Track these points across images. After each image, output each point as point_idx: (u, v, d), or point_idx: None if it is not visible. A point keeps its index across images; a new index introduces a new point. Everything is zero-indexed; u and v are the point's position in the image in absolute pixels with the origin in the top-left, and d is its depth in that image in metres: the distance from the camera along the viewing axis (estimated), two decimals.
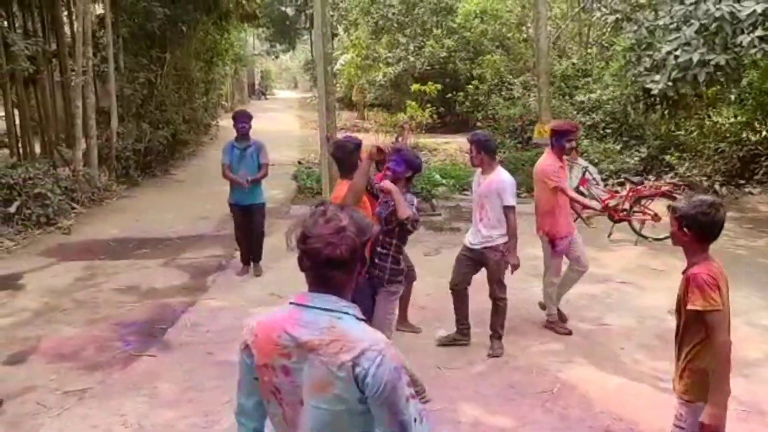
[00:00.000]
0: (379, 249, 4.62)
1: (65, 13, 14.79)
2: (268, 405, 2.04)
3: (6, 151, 13.46)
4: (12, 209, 9.90)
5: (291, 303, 2.04)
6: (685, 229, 3.10)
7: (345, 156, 4.80)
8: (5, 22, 12.49)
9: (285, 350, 1.94)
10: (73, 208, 11.19)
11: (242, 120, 7.52)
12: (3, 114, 13.37)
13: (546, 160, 6.19)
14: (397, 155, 4.71)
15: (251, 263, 8.03)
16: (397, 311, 5.01)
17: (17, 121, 13.47)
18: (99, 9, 15.33)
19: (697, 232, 3.07)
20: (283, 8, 40.96)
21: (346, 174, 4.75)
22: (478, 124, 18.16)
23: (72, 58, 13.11)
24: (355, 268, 2.00)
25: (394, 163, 4.68)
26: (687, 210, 3.08)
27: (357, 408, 1.90)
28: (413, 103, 18.22)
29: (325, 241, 1.92)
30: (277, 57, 54.77)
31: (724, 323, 2.98)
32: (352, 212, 2.02)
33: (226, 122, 25.48)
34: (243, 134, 7.53)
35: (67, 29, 14.66)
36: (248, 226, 7.85)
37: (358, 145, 4.90)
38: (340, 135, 9.99)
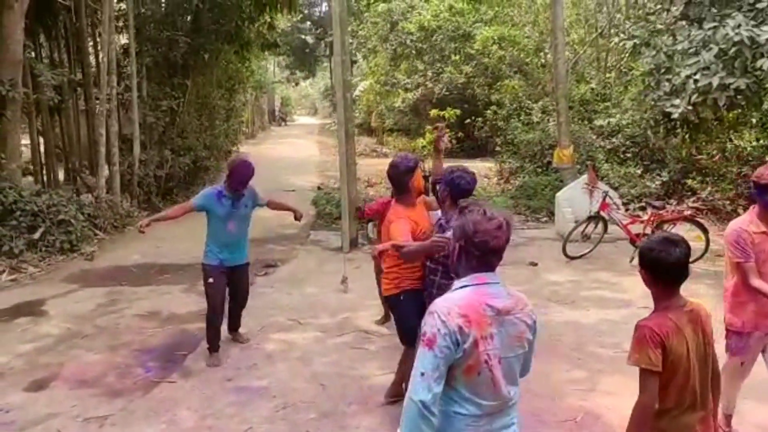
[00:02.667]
0: (429, 264, 4.55)
1: (90, 43, 15.11)
2: (478, 378, 2.39)
3: (31, 178, 13.68)
4: (36, 236, 10.04)
5: (475, 284, 2.44)
6: (641, 269, 2.86)
7: (397, 177, 4.75)
8: (32, 53, 12.78)
9: (490, 319, 2.39)
10: (96, 235, 11.32)
11: (243, 182, 5.92)
12: (28, 142, 13.61)
13: (739, 221, 4.22)
14: (444, 176, 4.56)
15: (230, 334, 6.57)
16: None
17: (42, 149, 13.73)
18: (123, 39, 15.65)
19: (648, 272, 2.81)
20: (303, 36, 41.54)
21: (398, 195, 4.79)
22: (498, 148, 18.17)
23: (96, 87, 13.36)
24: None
25: (441, 186, 4.57)
26: (641, 247, 2.88)
27: (528, 348, 2.56)
28: (432, 129, 18.28)
29: (492, 235, 2.42)
30: (297, 84, 55.42)
31: (653, 384, 2.70)
32: (506, 212, 2.54)
33: (246, 148, 25.87)
34: (238, 196, 5.99)
35: (92, 59, 14.97)
36: (230, 293, 6.30)
37: (411, 168, 4.74)
38: (356, 157, 9.94)
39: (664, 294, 2.80)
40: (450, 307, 2.36)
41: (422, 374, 2.29)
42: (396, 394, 5.11)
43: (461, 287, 2.45)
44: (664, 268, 2.74)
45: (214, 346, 6.11)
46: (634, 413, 2.75)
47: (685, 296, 2.84)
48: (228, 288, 6.19)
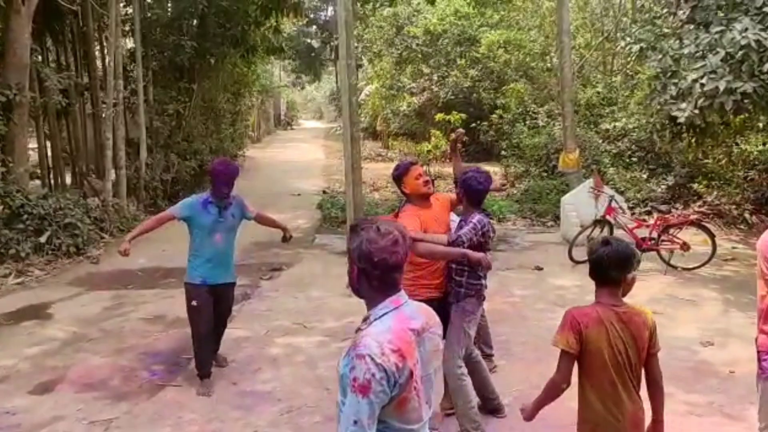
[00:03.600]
0: (454, 265, 4.54)
1: (97, 47, 15.19)
2: (408, 405, 2.29)
3: (38, 181, 13.74)
4: (42, 239, 10.07)
5: (392, 310, 2.33)
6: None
7: (395, 181, 4.75)
8: (39, 57, 12.84)
9: (415, 343, 2.31)
10: (102, 238, 11.35)
11: (227, 183, 5.41)
12: (35, 145, 13.67)
13: None
14: (461, 178, 4.61)
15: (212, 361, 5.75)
16: (472, 332, 4.67)
17: (49, 152, 13.78)
18: (130, 43, 15.71)
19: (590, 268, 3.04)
20: (308, 40, 41.60)
21: (406, 198, 4.74)
22: (503, 152, 18.16)
23: (103, 91, 13.42)
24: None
25: (460, 188, 4.62)
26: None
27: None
28: (437, 132, 18.29)
29: (390, 251, 2.30)
30: (302, 88, 55.58)
31: (565, 365, 2.95)
32: (398, 224, 2.41)
33: (252, 152, 25.93)
34: (224, 199, 5.46)
35: (98, 63, 15.05)
36: (214, 314, 5.53)
37: (400, 173, 4.68)
38: (365, 164, 9.94)
39: (598, 291, 3.02)
40: (382, 345, 2.20)
41: (355, 422, 2.16)
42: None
43: (382, 315, 2.31)
44: (593, 266, 3.00)
45: (204, 372, 5.50)
46: (546, 388, 3.07)
47: (629, 302, 3.02)
48: (214, 311, 5.51)
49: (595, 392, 2.96)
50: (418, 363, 2.30)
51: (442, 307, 4.56)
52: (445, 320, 4.53)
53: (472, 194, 4.51)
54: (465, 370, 4.54)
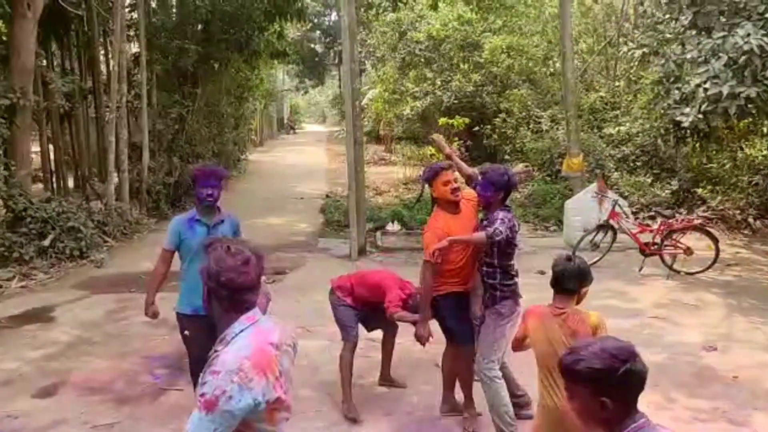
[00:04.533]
0: (484, 269, 4.56)
1: (102, 51, 15.23)
2: (276, 418, 2.28)
3: (41, 185, 13.77)
4: (46, 243, 10.08)
5: (249, 327, 2.28)
6: None
7: (424, 188, 4.83)
8: (44, 61, 12.89)
9: (276, 357, 2.30)
10: (105, 242, 11.36)
11: (208, 181, 4.63)
12: (38, 149, 13.70)
13: None
14: (483, 179, 4.54)
15: None
16: (510, 335, 4.43)
17: (52, 156, 13.82)
18: (134, 48, 15.76)
19: None
20: (312, 45, 41.71)
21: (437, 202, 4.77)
22: (507, 157, 18.14)
23: (107, 95, 13.45)
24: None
25: (481, 188, 4.54)
26: None
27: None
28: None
29: (238, 272, 2.25)
30: (306, 92, 55.66)
31: (516, 344, 3.71)
32: (254, 246, 2.38)
33: (255, 156, 25.96)
34: (209, 203, 4.67)
35: (103, 67, 15.09)
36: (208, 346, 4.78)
37: (426, 178, 4.76)
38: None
39: (554, 297, 3.47)
40: (240, 362, 2.14)
41: None
42: (452, 408, 5.13)
43: (240, 333, 2.26)
44: (554, 277, 3.47)
45: None
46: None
47: (573, 306, 3.46)
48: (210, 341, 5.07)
49: (541, 378, 3.37)
50: (281, 376, 2.29)
51: (464, 299, 4.76)
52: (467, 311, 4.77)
53: (508, 191, 4.55)
54: (499, 374, 4.54)
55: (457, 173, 4.88)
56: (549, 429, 3.30)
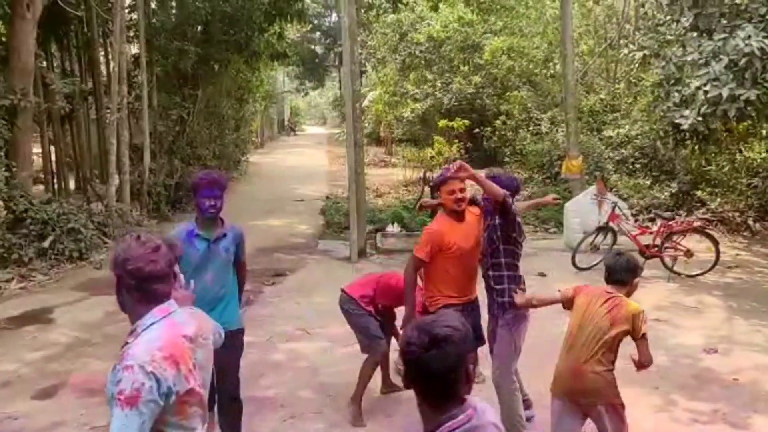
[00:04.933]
0: (491, 273, 4.49)
1: (102, 53, 15.24)
2: (190, 410, 2.26)
3: (41, 186, 13.77)
4: (46, 244, 10.08)
5: (161, 319, 2.25)
6: None
7: (433, 195, 4.81)
8: (44, 62, 12.89)
9: (190, 350, 2.29)
10: (105, 243, 11.35)
11: (211, 191, 4.22)
12: (39, 150, 13.71)
13: None
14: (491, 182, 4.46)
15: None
16: (521, 343, 4.56)
17: (53, 158, 13.82)
18: (134, 49, 15.76)
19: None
20: (312, 47, 41.75)
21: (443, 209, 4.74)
22: (506, 159, 18.15)
23: (107, 97, 13.45)
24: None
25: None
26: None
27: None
28: (441, 139, 18.29)
29: (146, 260, 2.21)
30: (306, 94, 55.66)
31: (561, 298, 4.14)
32: (169, 237, 2.40)
33: (256, 158, 25.95)
34: (212, 215, 4.25)
35: (103, 69, 15.10)
36: (216, 371, 4.18)
37: (435, 184, 4.83)
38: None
39: (606, 284, 3.96)
40: (151, 353, 2.13)
41: None
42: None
43: (150, 325, 2.22)
44: (606, 269, 4.03)
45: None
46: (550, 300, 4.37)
47: (623, 294, 3.87)
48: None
49: (566, 337, 3.91)
50: (195, 369, 2.27)
51: (473, 310, 4.69)
52: (475, 325, 4.62)
53: (514, 195, 4.56)
54: (517, 386, 4.52)
55: (465, 183, 4.64)
56: (562, 387, 3.91)
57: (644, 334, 3.72)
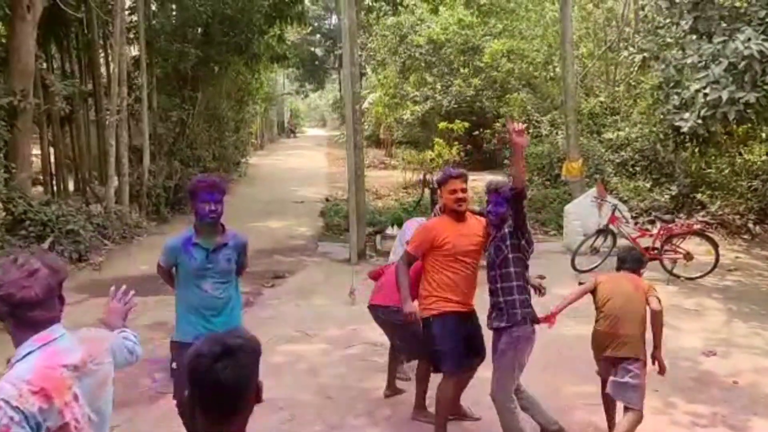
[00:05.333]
0: (500, 284, 4.33)
1: (102, 54, 15.24)
2: None
3: (41, 188, 13.76)
4: (45, 245, 10.05)
5: (38, 348, 2.11)
6: None
7: (432, 197, 4.78)
8: (44, 64, 12.89)
9: (70, 380, 2.11)
10: (105, 245, 11.35)
11: (211, 195, 4.00)
12: (39, 152, 13.70)
13: None
14: (496, 195, 4.37)
15: None
16: (525, 362, 4.43)
17: (52, 159, 13.81)
18: (134, 51, 15.77)
19: None
20: (312, 49, 41.77)
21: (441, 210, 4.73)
22: (506, 161, 18.13)
23: (107, 98, 13.46)
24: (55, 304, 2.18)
25: (494, 204, 4.37)
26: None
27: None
28: (440, 141, 18.29)
29: (19, 286, 2.06)
30: (306, 96, 55.62)
31: (587, 290, 4.82)
32: (44, 256, 2.19)
33: (255, 160, 25.95)
34: (212, 221, 4.05)
35: (103, 70, 15.10)
36: None
37: (438, 183, 4.76)
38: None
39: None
40: (19, 387, 1.99)
41: None
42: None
43: (26, 356, 2.09)
44: (618, 260, 4.99)
45: None
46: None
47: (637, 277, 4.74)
48: None
49: (600, 316, 4.61)
50: (76, 400, 2.11)
51: (475, 321, 4.59)
52: (476, 336, 4.58)
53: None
54: (516, 404, 4.36)
55: (467, 185, 4.70)
56: (596, 344, 4.63)
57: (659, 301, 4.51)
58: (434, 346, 4.51)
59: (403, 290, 4.52)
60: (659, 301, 4.48)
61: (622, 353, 4.41)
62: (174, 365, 4.13)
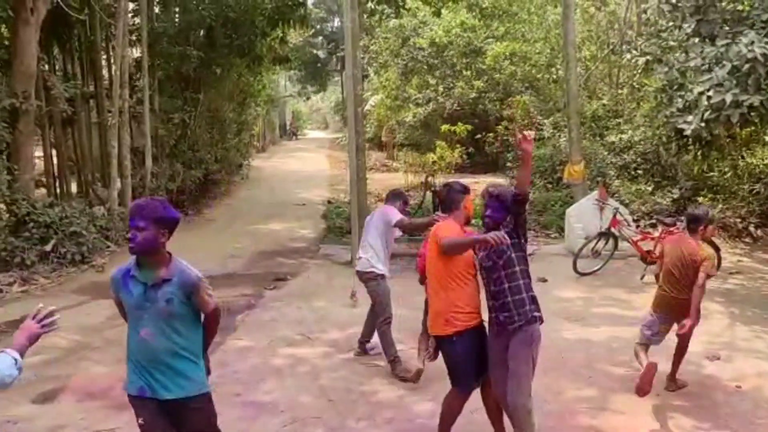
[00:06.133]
0: (506, 284, 4.21)
1: (104, 56, 15.26)
2: None
3: (43, 190, 13.77)
4: (48, 247, 10.08)
5: None
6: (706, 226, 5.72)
7: (450, 195, 4.56)
8: (46, 66, 12.91)
9: None
10: (108, 246, 11.35)
11: (132, 220, 3.37)
12: (41, 154, 13.72)
13: None
14: (495, 201, 4.27)
15: None
16: (536, 361, 4.31)
17: (55, 161, 13.83)
18: (136, 53, 15.78)
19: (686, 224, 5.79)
20: (314, 51, 41.76)
21: (449, 212, 4.59)
22: (508, 164, 18.12)
23: (109, 100, 13.48)
24: None
25: (493, 210, 4.26)
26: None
27: None
28: (443, 144, 18.29)
29: None
30: (308, 98, 55.62)
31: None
32: None
33: (257, 162, 25.97)
34: (131, 251, 3.42)
35: (105, 72, 15.11)
36: None
37: (465, 188, 4.63)
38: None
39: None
40: None
41: None
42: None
43: None
44: (686, 220, 5.72)
45: None
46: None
47: (698, 239, 5.50)
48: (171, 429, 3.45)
49: (667, 276, 5.51)
50: None
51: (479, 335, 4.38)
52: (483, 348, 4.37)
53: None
54: (533, 405, 4.25)
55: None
56: (661, 307, 5.59)
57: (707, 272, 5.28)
58: (456, 363, 4.38)
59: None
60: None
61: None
62: (141, 421, 3.46)
